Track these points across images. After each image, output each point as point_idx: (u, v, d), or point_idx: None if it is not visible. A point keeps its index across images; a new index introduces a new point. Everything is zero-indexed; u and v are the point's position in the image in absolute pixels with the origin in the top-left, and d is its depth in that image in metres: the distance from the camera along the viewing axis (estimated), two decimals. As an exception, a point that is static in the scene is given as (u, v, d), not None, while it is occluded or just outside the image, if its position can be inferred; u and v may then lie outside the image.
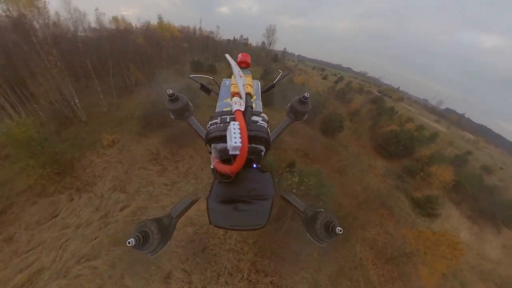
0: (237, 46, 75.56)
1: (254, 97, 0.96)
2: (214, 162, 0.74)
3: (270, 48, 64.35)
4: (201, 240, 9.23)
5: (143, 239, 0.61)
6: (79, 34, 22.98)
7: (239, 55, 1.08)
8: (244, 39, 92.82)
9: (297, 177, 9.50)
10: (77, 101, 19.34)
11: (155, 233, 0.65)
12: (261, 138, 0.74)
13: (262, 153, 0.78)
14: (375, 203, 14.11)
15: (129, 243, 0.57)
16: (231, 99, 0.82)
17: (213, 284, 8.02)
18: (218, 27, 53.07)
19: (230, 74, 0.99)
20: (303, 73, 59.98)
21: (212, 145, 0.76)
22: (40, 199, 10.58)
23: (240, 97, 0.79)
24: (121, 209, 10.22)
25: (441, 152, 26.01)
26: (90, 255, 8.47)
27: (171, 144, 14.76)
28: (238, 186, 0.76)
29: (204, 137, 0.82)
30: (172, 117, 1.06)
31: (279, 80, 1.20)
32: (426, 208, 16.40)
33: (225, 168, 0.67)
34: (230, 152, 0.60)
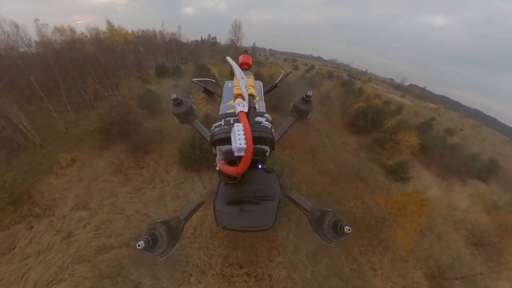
0: (205, 46, 74.04)
1: (257, 98, 0.95)
2: (220, 164, 0.74)
3: (239, 44, 64.02)
4: None
5: (152, 242, 0.62)
6: (19, 49, 20.78)
7: (240, 57, 1.09)
8: (212, 38, 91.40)
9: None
10: (26, 124, 17.53)
11: (164, 235, 0.66)
12: (266, 139, 0.74)
13: (267, 154, 0.78)
14: (350, 176, 14.64)
15: (138, 245, 0.58)
16: (234, 101, 0.82)
17: (185, 285, 7.70)
18: (179, 27, 51.36)
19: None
20: (273, 65, 60.40)
21: (217, 147, 0.76)
22: (-6, 234, 9.44)
23: (243, 99, 0.78)
24: (84, 227, 9.43)
25: (407, 121, 27.88)
26: (54, 279, 7.78)
27: (135, 152, 14.00)
28: (244, 187, 0.75)
29: (209, 139, 0.82)
30: (177, 121, 1.08)
31: (281, 79, 1.19)
32: (398, 173, 17.44)
33: (231, 170, 0.67)
34: (235, 154, 0.59)
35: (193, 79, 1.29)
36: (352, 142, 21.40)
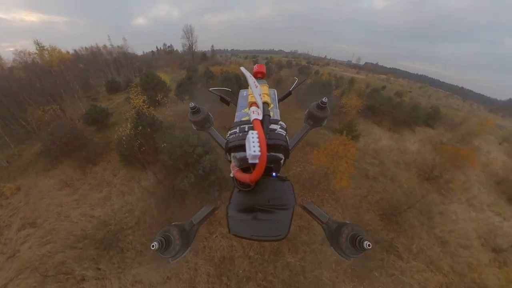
0: (161, 56, 71.83)
1: (272, 106, 0.95)
2: (234, 171, 0.74)
3: (195, 49, 63.34)
4: (115, 234, 9.11)
5: (165, 244, 0.63)
6: None
7: (255, 66, 1.08)
8: (168, 46, 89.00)
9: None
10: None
11: (177, 238, 0.67)
12: (280, 146, 0.73)
13: (282, 161, 0.76)
14: (300, 145, 15.50)
15: (153, 246, 0.59)
16: (249, 109, 0.82)
17: (127, 270, 7.97)
18: (125, 39, 49.02)
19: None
20: (233, 63, 60.99)
21: (232, 154, 0.75)
22: None
23: (258, 107, 0.78)
24: (29, 241, 9.00)
25: (352, 88, 30.44)
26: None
27: (84, 166, 13.58)
28: (257, 195, 0.75)
29: (224, 146, 0.81)
30: (194, 128, 1.11)
31: (295, 87, 1.19)
32: (347, 133, 18.99)
33: (245, 177, 0.66)
34: (250, 161, 0.59)
35: (210, 89, 1.29)
36: (303, 116, 22.49)
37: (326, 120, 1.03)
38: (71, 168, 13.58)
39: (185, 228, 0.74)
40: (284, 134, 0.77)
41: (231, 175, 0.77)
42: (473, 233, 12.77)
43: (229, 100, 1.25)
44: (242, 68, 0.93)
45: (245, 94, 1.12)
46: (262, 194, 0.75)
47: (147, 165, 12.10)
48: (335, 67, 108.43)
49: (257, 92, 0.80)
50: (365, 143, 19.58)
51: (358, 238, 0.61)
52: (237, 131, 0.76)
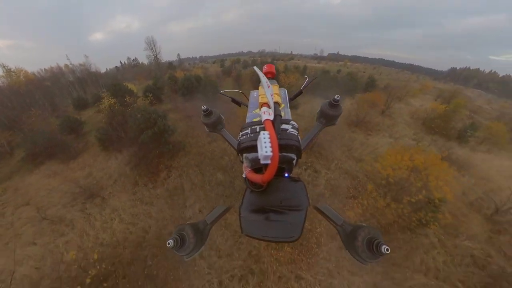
0: (126, 70, 71.58)
1: (283, 106, 0.97)
2: (246, 172, 0.75)
3: (160, 59, 64.63)
4: (99, 190, 12.29)
5: (180, 242, 0.65)
6: None
7: (265, 67, 1.09)
8: (133, 60, 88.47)
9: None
10: None
11: (191, 237, 0.69)
12: (292, 146, 0.73)
13: (294, 162, 0.77)
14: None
15: (168, 244, 0.61)
16: (260, 110, 0.82)
17: (107, 207, 10.95)
18: (86, 56, 49.11)
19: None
20: (198, 68, 63.57)
21: (244, 155, 0.77)
22: None
23: (269, 107, 0.79)
24: (24, 213, 11.34)
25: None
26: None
27: (67, 161, 15.91)
28: (270, 195, 0.75)
29: (236, 147, 0.84)
30: (207, 130, 1.14)
31: (306, 85, 1.20)
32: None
33: (257, 178, 0.68)
34: (262, 162, 0.60)
35: (221, 91, 1.34)
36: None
37: (339, 118, 1.02)
38: (55, 165, 15.54)
39: (199, 227, 0.75)
40: (296, 134, 0.77)
41: (244, 175, 0.78)
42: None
43: (240, 102, 1.30)
44: (255, 68, 0.94)
45: (255, 95, 1.13)
46: (275, 195, 0.75)
47: (122, 147, 14.71)
48: (299, 60, 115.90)
49: (269, 92, 0.80)
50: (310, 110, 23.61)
51: (376, 242, 0.59)
52: (249, 132, 0.78)
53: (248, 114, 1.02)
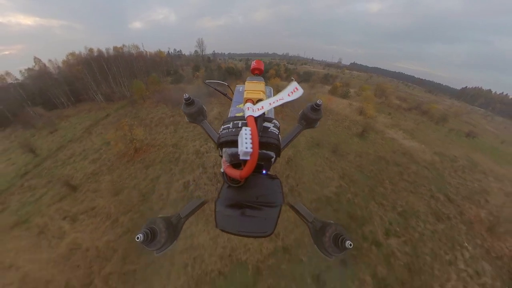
0: (173, 58, 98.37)
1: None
2: (225, 166, 0.76)
3: (204, 54, 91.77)
4: None
5: (151, 236, 0.63)
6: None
7: (253, 62, 1.06)
8: (178, 51, 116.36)
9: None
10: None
11: (163, 231, 0.66)
12: (272, 145, 0.74)
13: (272, 160, 0.78)
14: None
15: (137, 238, 0.59)
16: (244, 105, 0.83)
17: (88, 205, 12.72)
18: (142, 44, 76.43)
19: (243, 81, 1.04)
20: (230, 64, 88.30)
21: (224, 149, 0.77)
22: None
23: (253, 103, 0.80)
24: None
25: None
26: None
27: None
28: (247, 191, 0.77)
29: (216, 140, 0.83)
30: (187, 120, 1.10)
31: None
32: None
33: (235, 173, 0.69)
34: (241, 157, 0.61)
35: (206, 81, 1.32)
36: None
37: (319, 122, 1.04)
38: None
39: (171, 221, 0.73)
40: (277, 133, 0.78)
41: (222, 170, 0.79)
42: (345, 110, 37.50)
43: (224, 93, 1.32)
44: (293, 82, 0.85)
45: (241, 90, 1.13)
46: (251, 191, 0.77)
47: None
48: (307, 65, 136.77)
49: (290, 98, 0.75)
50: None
51: (341, 238, 0.63)
52: (230, 127, 0.77)
53: (232, 109, 1.04)
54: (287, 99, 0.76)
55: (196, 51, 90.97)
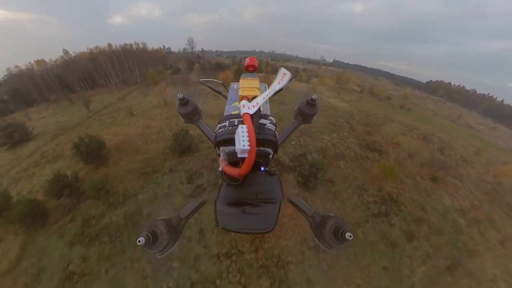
0: (167, 56, 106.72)
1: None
2: (223, 165, 0.77)
3: (193, 51, 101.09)
4: None
5: (152, 239, 0.62)
6: None
7: (247, 60, 1.06)
8: (167, 48, 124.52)
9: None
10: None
11: (164, 233, 0.66)
12: (269, 141, 0.75)
13: (270, 156, 0.79)
14: None
15: (139, 241, 0.58)
16: (239, 103, 0.82)
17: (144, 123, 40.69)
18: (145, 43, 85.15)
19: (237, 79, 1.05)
20: (217, 60, 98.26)
21: (221, 148, 0.78)
22: None
23: (248, 100, 0.80)
24: None
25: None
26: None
27: None
28: (246, 189, 0.78)
29: (213, 140, 0.83)
30: (183, 120, 1.09)
31: (286, 82, 1.16)
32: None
33: (234, 171, 0.70)
34: (239, 155, 0.61)
35: (200, 80, 1.34)
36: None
37: (315, 117, 1.06)
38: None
39: (172, 222, 0.72)
40: (274, 129, 0.78)
41: (220, 169, 0.79)
42: (301, 89, 49.71)
43: (219, 92, 1.30)
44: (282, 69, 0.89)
45: (235, 87, 1.13)
46: (250, 188, 0.78)
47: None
48: (289, 62, 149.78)
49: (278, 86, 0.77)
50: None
51: (341, 230, 0.63)
52: (227, 125, 0.77)
53: (227, 107, 1.03)
54: (278, 87, 0.79)
55: (185, 48, 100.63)
